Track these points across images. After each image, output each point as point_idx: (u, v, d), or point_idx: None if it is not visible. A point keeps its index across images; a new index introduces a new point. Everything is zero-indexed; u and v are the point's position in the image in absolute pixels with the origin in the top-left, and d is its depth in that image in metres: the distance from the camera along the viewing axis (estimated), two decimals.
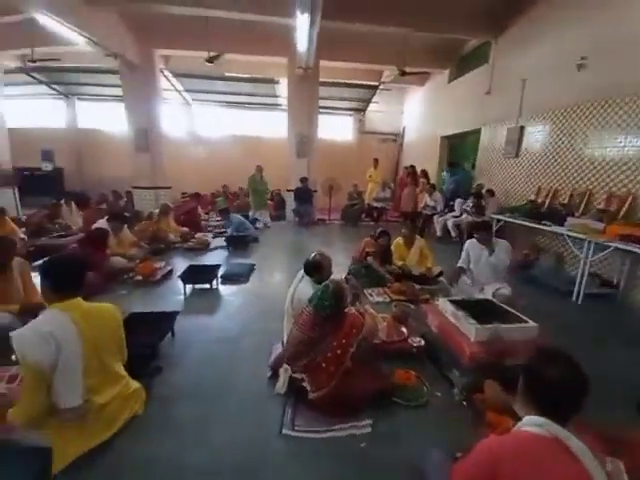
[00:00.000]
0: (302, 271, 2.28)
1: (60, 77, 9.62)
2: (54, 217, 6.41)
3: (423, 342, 2.38)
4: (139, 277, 3.92)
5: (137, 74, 7.17)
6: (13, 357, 2.06)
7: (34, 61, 6.32)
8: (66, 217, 6.67)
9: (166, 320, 2.67)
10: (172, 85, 9.49)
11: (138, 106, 7.41)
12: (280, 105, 10.71)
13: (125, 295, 3.61)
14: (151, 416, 1.84)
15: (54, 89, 10.28)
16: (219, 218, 7.34)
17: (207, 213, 8.44)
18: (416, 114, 10.59)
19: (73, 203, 7.01)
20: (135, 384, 1.85)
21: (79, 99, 10.98)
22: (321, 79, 7.88)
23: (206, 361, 2.40)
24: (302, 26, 4.89)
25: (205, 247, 5.53)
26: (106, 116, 10.84)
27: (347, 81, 9.47)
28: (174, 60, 8.49)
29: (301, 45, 5.71)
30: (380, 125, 11.82)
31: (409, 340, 2.40)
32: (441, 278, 3.85)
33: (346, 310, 1.87)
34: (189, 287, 3.66)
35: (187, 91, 10.29)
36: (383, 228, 4.37)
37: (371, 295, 3.56)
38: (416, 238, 4.11)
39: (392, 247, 4.08)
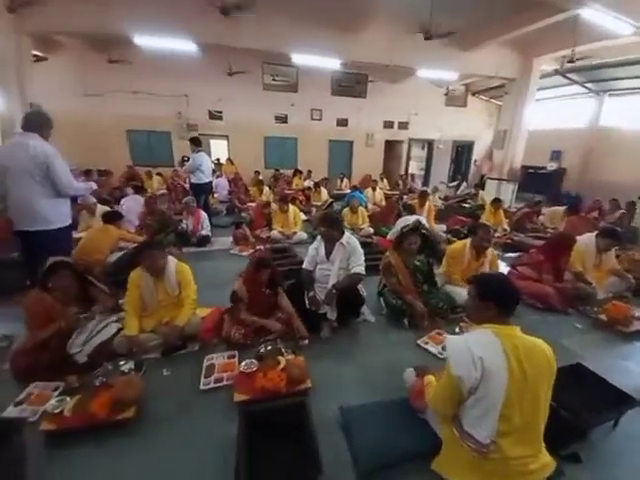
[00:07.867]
0: None
1: (594, 75, 9.07)
2: (535, 215, 6.51)
3: None
4: (603, 316, 3.05)
5: None
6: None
7: (572, 61, 6.22)
8: (548, 219, 6.48)
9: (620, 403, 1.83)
10: None
11: None
12: None
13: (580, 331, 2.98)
14: None
15: (587, 87, 9.92)
16: None
17: None
18: None
19: (558, 206, 6.61)
20: (548, 458, 1.42)
21: (610, 95, 9.91)
22: None
23: None
24: None
25: None
26: (633, 112, 9.04)
27: None
28: None
29: None
30: None
31: None
32: None
33: None
34: None
35: None
36: None
37: None
38: None
39: None
